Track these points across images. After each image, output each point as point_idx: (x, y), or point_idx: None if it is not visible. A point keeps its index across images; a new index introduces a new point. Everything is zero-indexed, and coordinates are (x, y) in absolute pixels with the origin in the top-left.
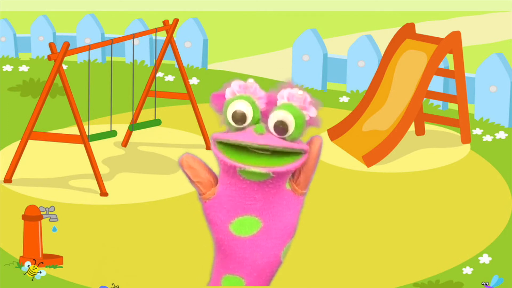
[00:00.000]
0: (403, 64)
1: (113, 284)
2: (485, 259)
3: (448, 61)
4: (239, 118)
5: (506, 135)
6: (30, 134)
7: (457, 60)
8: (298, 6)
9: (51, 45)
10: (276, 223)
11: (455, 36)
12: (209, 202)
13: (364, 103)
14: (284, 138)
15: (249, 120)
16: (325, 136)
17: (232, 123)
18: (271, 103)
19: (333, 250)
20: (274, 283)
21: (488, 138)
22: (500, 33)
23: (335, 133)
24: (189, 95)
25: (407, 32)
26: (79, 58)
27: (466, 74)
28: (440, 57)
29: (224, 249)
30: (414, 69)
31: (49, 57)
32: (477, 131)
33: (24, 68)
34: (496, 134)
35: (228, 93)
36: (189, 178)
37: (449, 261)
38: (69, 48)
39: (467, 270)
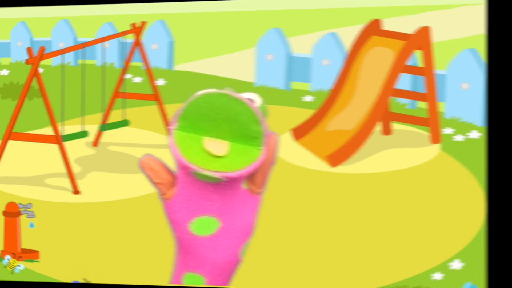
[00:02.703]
0: (369, 61)
1: (84, 279)
2: (456, 264)
3: (417, 58)
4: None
5: (480, 134)
6: (10, 134)
7: (427, 57)
8: (261, 5)
9: (28, 50)
10: (234, 223)
11: (424, 32)
12: (170, 201)
13: (328, 102)
14: None
15: None
16: (289, 136)
17: None
18: None
19: (299, 252)
20: (237, 280)
21: (459, 137)
22: (472, 28)
23: (299, 133)
24: (155, 96)
25: (372, 28)
26: (54, 61)
27: (436, 71)
28: (408, 54)
29: (185, 248)
30: (381, 66)
31: (26, 61)
32: (447, 131)
33: (4, 72)
34: (468, 134)
35: None
36: (150, 179)
37: (418, 266)
38: (45, 52)
39: (437, 276)
